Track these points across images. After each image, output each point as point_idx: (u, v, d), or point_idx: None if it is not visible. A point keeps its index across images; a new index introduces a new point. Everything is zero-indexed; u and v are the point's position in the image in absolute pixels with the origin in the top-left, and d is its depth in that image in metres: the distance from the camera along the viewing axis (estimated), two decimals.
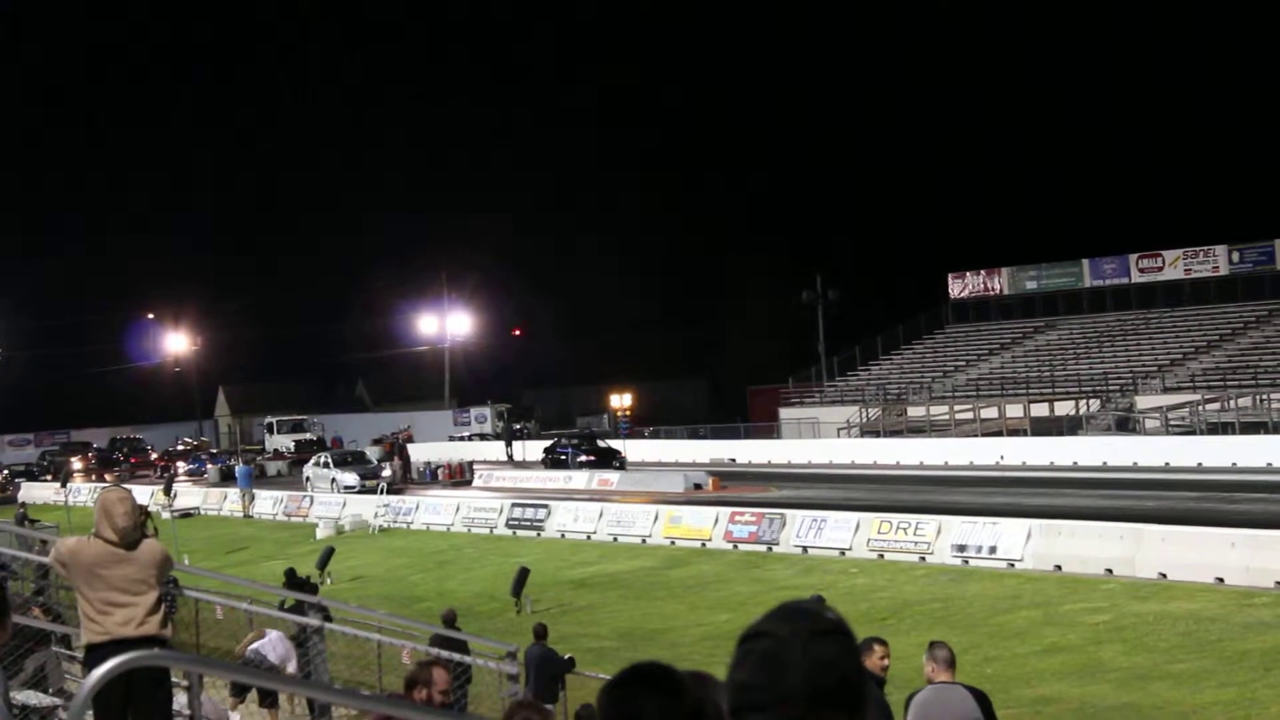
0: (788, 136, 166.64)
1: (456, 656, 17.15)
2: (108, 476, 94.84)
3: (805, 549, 43.43)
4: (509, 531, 55.00)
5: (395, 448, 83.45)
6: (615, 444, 78.00)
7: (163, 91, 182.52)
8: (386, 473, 73.95)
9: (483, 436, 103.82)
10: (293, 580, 31.50)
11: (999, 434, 72.71)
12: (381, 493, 67.75)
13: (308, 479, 75.55)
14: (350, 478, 72.30)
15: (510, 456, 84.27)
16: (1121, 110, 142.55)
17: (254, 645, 21.38)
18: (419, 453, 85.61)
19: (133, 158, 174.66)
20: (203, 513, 73.59)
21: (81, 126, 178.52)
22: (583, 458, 75.58)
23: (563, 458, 76.89)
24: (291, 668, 20.75)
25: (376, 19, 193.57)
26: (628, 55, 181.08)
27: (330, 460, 76.32)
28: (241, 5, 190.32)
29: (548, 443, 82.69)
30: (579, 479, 69.45)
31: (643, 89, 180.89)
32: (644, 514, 51.23)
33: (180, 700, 11.69)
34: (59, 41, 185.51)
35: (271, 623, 22.30)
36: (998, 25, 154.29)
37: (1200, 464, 58.22)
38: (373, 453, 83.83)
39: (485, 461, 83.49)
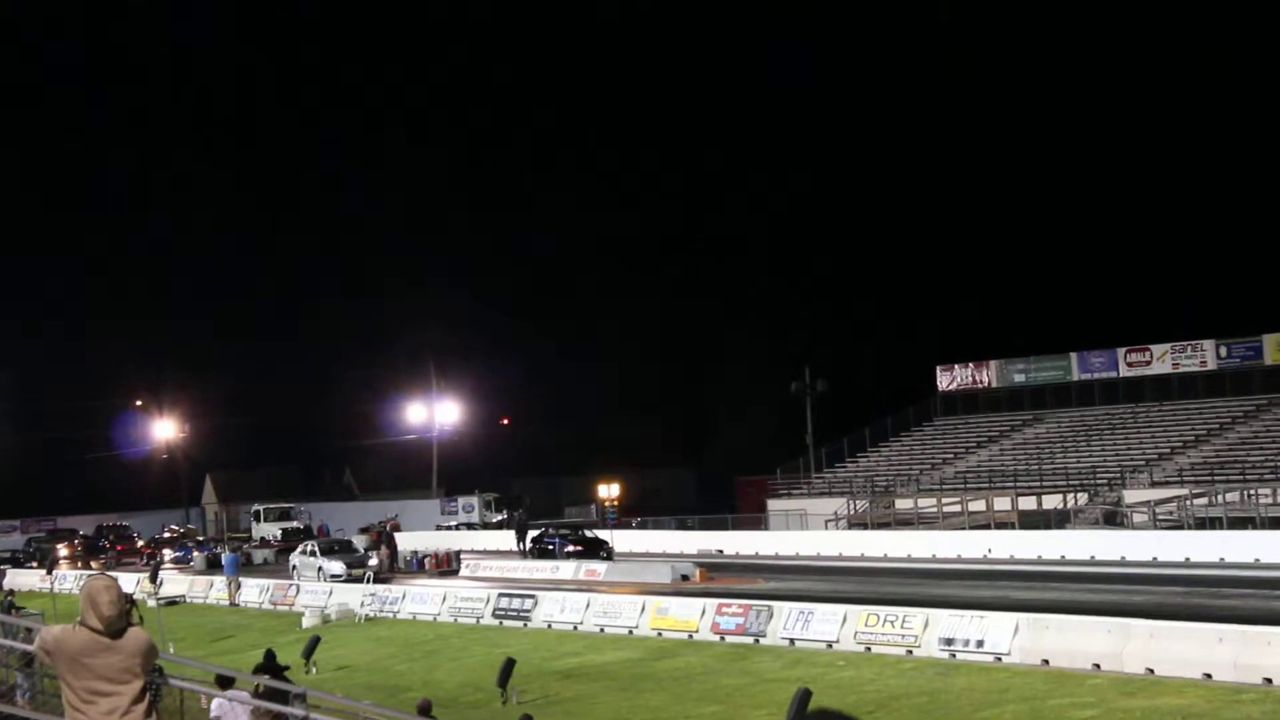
0: (777, 226, 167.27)
1: None
2: (94, 564, 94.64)
3: (792, 641, 43.31)
4: (495, 621, 54.80)
5: (382, 536, 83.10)
6: (603, 534, 77.77)
7: (150, 179, 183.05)
8: (373, 561, 73.68)
9: (470, 526, 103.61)
10: (270, 663, 31.33)
11: (987, 527, 72.73)
12: (368, 581, 67.55)
13: (294, 567, 75.30)
14: (337, 566, 72.11)
15: (522, 549, 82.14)
16: (1109, 204, 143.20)
17: None
18: (406, 541, 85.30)
19: (120, 245, 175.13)
20: (189, 600, 73.31)
21: (70, 213, 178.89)
22: (570, 548, 75.34)
23: (550, 548, 76.60)
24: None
25: (365, 105, 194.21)
26: (616, 142, 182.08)
27: (317, 549, 76.10)
28: (230, 88, 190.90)
29: (535, 532, 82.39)
30: (566, 569, 69.28)
31: (632, 176, 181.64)
32: (631, 605, 51.09)
33: None
34: (44, 123, 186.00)
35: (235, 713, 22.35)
36: (1005, 106, 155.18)
37: (1188, 559, 58.15)
38: (359, 541, 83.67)
39: (473, 551, 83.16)
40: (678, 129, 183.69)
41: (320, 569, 72.45)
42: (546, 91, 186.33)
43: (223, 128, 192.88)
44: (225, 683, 21.40)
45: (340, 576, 70.35)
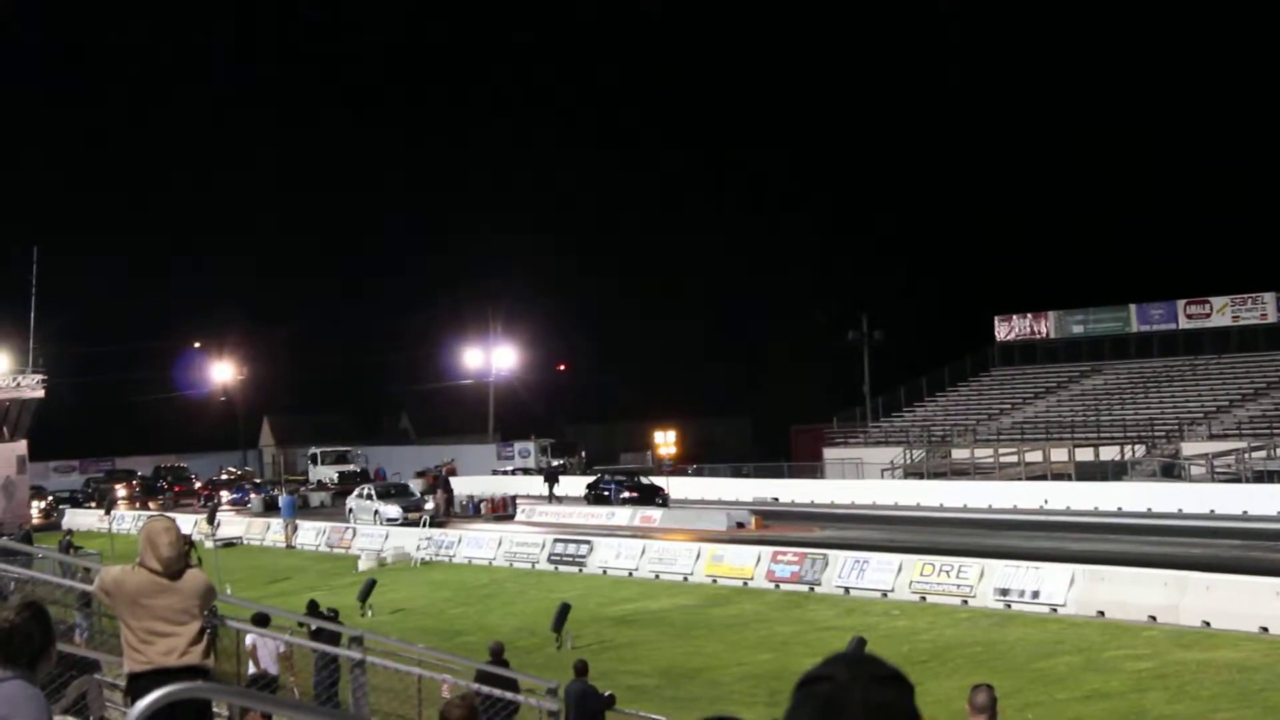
0: (838, 175, 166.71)
1: (498, 693, 17.17)
2: (151, 505, 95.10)
3: (847, 590, 43.33)
4: (551, 567, 54.98)
5: (438, 481, 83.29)
6: (658, 481, 77.82)
7: (210, 123, 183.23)
8: (429, 506, 73.82)
9: (526, 471, 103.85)
10: (313, 612, 31.53)
11: (1043, 478, 72.51)
12: (424, 526, 67.70)
13: (350, 511, 75.51)
14: (393, 510, 72.23)
15: (551, 495, 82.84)
16: (1169, 154, 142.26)
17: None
18: (462, 486, 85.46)
19: (180, 188, 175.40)
20: (245, 542, 73.57)
21: (132, 155, 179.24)
22: (626, 494, 75.40)
23: (605, 494, 76.70)
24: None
25: (421, 49, 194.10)
26: (676, 84, 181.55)
27: (373, 492, 76.30)
28: (281, 35, 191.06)
29: (591, 478, 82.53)
30: (621, 515, 69.33)
31: (688, 121, 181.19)
32: (686, 552, 51.20)
33: None
34: (104, 70, 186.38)
35: (304, 655, 22.58)
36: (1039, 66, 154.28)
37: (1246, 512, 57.91)
38: (416, 485, 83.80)
39: (528, 496, 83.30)
40: (737, 65, 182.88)
41: (376, 512, 72.61)
42: (607, 45, 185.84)
43: (273, 77, 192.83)
44: (261, 620, 21.71)
45: (396, 520, 70.46)
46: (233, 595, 34.04)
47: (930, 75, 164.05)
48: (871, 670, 3.11)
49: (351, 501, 76.86)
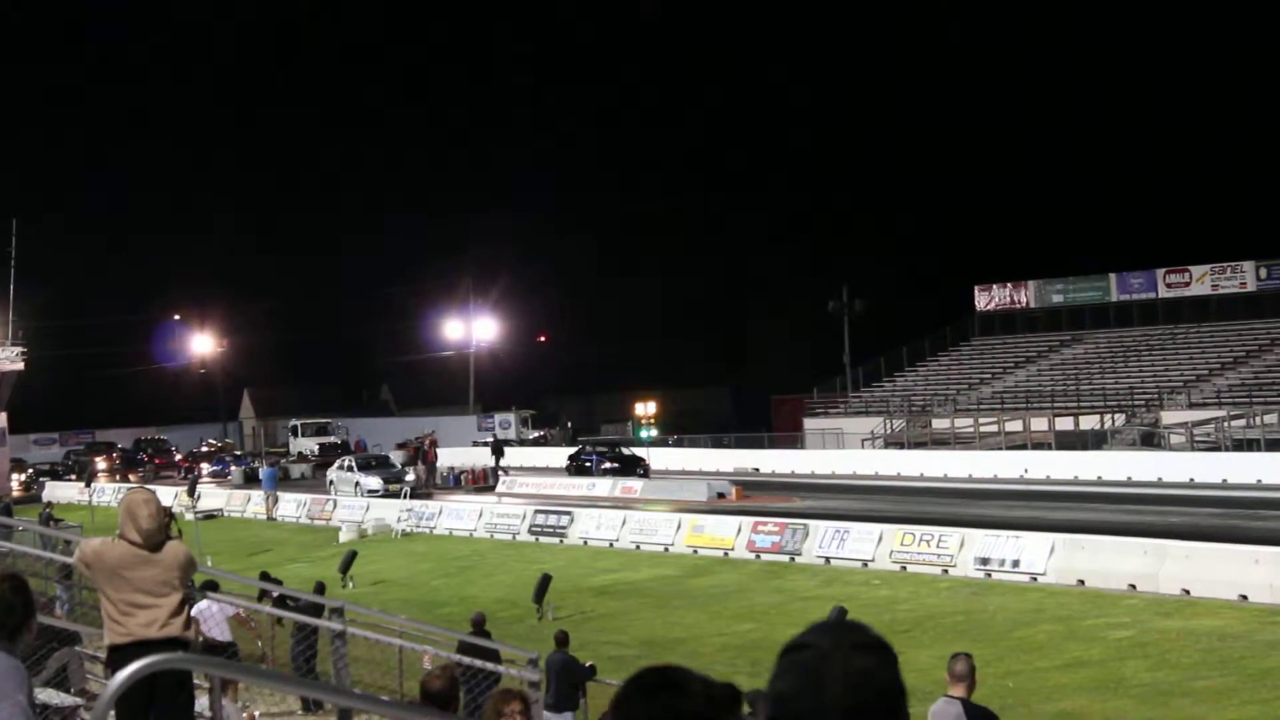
0: (816, 145, 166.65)
1: (478, 663, 17.17)
2: (132, 477, 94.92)
3: (828, 560, 43.39)
4: (531, 538, 54.95)
5: (419, 452, 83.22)
6: (639, 452, 77.78)
7: (188, 92, 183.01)
8: (410, 477, 73.73)
9: (506, 442, 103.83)
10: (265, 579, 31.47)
11: (1023, 447, 72.63)
12: (405, 497, 67.61)
13: (331, 482, 75.43)
14: (374, 482, 72.12)
15: (500, 469, 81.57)
16: (1155, 127, 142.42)
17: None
18: (443, 458, 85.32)
19: (160, 157, 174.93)
20: (226, 514, 73.47)
21: (108, 125, 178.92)
22: (607, 465, 75.37)
23: (587, 465, 76.66)
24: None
25: (415, 14, 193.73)
26: (662, 56, 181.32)
27: (354, 464, 76.18)
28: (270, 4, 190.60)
29: (573, 449, 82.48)
30: (602, 486, 69.32)
31: (676, 91, 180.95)
32: (667, 522, 51.22)
33: (202, 703, 11.70)
34: (83, 43, 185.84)
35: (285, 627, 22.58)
36: (1012, 29, 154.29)
37: (1225, 480, 58.05)
38: (396, 457, 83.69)
39: (509, 467, 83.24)
40: (723, 39, 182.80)
41: (357, 484, 72.50)
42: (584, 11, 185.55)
43: (258, 44, 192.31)
44: (208, 586, 21.64)
45: (377, 492, 70.36)
46: (213, 567, 34.07)
47: (909, 42, 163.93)
48: (854, 638, 3.13)
49: (332, 473, 76.75)
